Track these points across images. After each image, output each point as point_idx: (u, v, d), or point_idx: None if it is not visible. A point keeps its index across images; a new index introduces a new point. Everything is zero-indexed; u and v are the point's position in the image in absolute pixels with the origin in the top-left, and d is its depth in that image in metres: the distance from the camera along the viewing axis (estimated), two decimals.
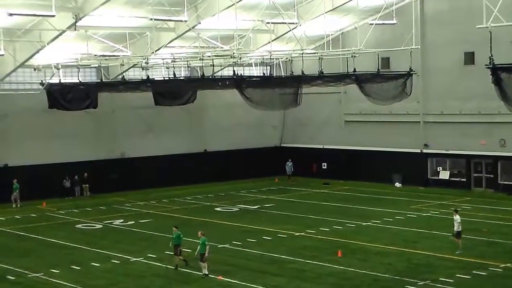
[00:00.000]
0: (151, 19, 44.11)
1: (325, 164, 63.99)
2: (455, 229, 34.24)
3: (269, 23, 50.68)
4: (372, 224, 42.00)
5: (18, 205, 51.24)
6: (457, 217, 34.15)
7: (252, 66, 58.06)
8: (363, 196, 53.36)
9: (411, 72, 48.73)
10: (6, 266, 33.33)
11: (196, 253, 30.87)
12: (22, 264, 33.52)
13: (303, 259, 33.39)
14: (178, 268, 31.63)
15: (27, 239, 39.82)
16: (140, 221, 44.86)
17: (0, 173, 53.48)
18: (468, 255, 33.34)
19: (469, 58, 54.02)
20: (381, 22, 51.15)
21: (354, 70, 48.96)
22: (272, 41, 54.69)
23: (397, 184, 57.95)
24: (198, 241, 30.86)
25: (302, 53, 49.31)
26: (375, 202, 50.15)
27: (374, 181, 58.40)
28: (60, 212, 49.13)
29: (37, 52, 47.67)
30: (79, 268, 32.70)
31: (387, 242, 36.34)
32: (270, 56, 54.04)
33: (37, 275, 31.64)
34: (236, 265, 32.67)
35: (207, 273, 30.43)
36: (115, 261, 33.82)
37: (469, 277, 29.80)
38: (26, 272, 32.20)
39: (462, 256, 33.17)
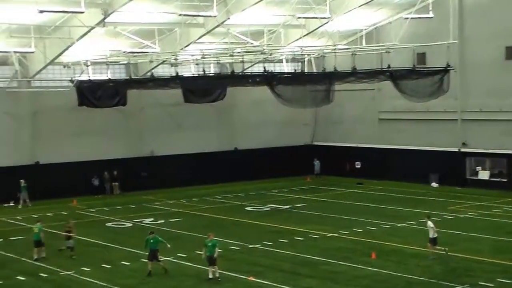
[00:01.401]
0: (180, 15, 43.67)
1: (359, 163, 62.94)
2: (430, 236, 32.98)
3: (300, 18, 49.86)
4: (407, 225, 41.05)
5: (29, 205, 50.82)
6: (429, 223, 33.05)
7: (283, 62, 57.26)
8: (398, 196, 52.31)
9: (449, 68, 47.66)
10: (38, 264, 33.18)
11: (203, 256, 30.17)
12: (54, 262, 33.33)
13: (336, 261, 32.67)
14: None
15: (58, 237, 39.34)
16: (170, 220, 44.42)
17: (31, 171, 53.30)
18: (509, 258, 32.19)
19: (511, 52, 52.51)
20: (416, 16, 50.13)
21: (389, 66, 47.96)
22: (304, 36, 54.45)
23: (434, 184, 56.69)
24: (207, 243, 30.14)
25: (335, 49, 48.63)
26: (410, 202, 49.08)
27: (410, 181, 57.08)
28: (91, 210, 48.86)
29: (67, 49, 47.65)
30: (109, 266, 32.49)
31: (423, 244, 35.23)
32: (302, 52, 53.26)
33: (68, 273, 31.46)
34: (268, 266, 32.06)
35: (211, 277, 29.67)
36: (145, 260, 33.07)
37: (510, 281, 28.71)
38: (58, 270, 32.02)
39: (503, 260, 32.06)
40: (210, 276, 29.60)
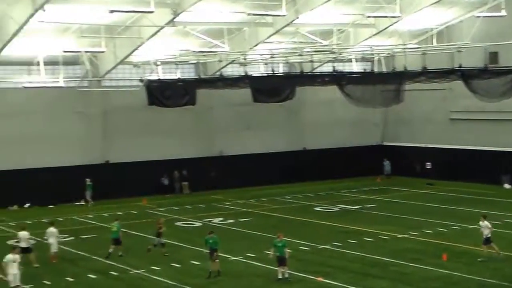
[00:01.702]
0: (249, 14, 43.66)
1: (429, 163, 61.93)
2: (484, 235, 32.31)
3: (370, 17, 49.43)
4: (478, 227, 40.03)
5: (91, 204, 51.44)
6: (485, 223, 32.36)
7: (352, 61, 56.80)
8: (469, 197, 51.22)
9: None
10: (109, 262, 33.44)
11: (272, 256, 29.95)
12: (124, 261, 33.56)
13: (406, 262, 32.17)
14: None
15: (129, 235, 39.71)
16: (239, 220, 44.39)
17: (102, 170, 54.01)
18: None
19: None
20: (489, 14, 49.11)
21: (460, 66, 47.07)
22: (373, 35, 53.81)
23: (506, 186, 55.49)
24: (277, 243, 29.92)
25: (405, 48, 47.97)
26: (481, 204, 47.95)
27: (481, 182, 55.76)
28: (160, 209, 49.13)
29: (136, 48, 48.13)
30: (179, 266, 32.54)
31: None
32: (371, 51, 52.75)
33: (138, 271, 31.62)
34: (337, 267, 31.77)
35: (281, 277, 29.42)
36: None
37: None
38: (128, 268, 32.23)
39: None
40: (280, 277, 29.39)
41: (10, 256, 27.42)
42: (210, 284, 29.38)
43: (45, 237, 34.78)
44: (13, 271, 27.27)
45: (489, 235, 32.27)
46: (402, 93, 48.11)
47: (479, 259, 31.93)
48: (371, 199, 51.75)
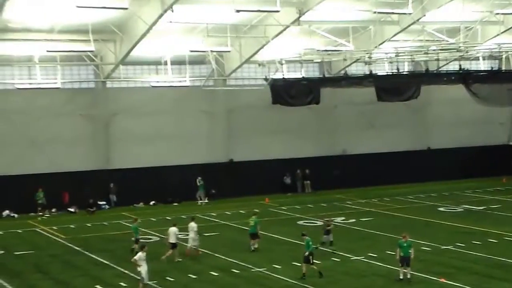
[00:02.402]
0: (375, 12, 43.25)
1: None
2: None
3: (498, 14, 48.03)
4: None
5: (203, 202, 52.10)
6: None
7: (479, 60, 55.47)
8: None
9: None
10: (231, 260, 33.83)
11: (397, 256, 29.56)
12: (246, 259, 33.86)
13: None
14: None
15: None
16: (361, 219, 44.14)
17: (225, 168, 54.89)
18: None
19: None
20: None
21: None
22: (502, 33, 52.32)
23: None
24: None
25: None
26: None
27: None
28: (282, 208, 49.40)
29: (262, 47, 48.49)
30: (300, 265, 32.08)
31: None
32: (499, 49, 51.34)
33: (260, 269, 31.80)
34: (460, 268, 31.18)
35: (402, 278, 29.05)
36: (336, 259, 33.33)
37: None
38: (249, 266, 32.48)
39: None
40: (401, 277, 29.11)
41: (140, 254, 28.08)
42: (330, 284, 29.33)
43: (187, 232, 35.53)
44: (144, 268, 27.93)
45: None
46: None
47: None
48: (496, 200, 50.45)
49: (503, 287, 28.06)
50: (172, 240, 33.82)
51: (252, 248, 35.63)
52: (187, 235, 35.25)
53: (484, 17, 49.72)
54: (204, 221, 44.97)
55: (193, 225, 35.05)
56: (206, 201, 52.71)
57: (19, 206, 48.83)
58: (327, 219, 37.04)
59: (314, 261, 30.33)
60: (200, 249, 35.04)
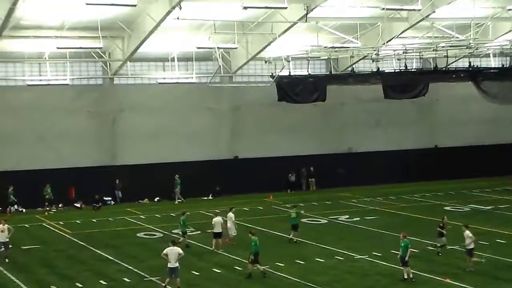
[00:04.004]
0: (383, 9, 42.99)
1: None
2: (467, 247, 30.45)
3: (510, 10, 47.63)
4: None
5: (179, 200, 51.56)
6: (467, 233, 30.47)
7: (489, 57, 55.09)
8: None
9: None
10: (233, 257, 33.76)
11: (398, 256, 29.41)
12: (247, 257, 33.54)
13: None
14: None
15: (255, 231, 40.08)
16: (366, 218, 43.90)
17: (230, 165, 54.76)
18: None
19: None
20: None
21: None
22: None
23: None
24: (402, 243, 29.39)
25: None
26: None
27: None
28: (286, 205, 48.95)
29: (269, 44, 48.39)
30: (303, 263, 32.51)
31: None
32: (510, 46, 50.90)
33: (263, 267, 31.46)
34: (466, 269, 30.71)
35: (406, 277, 28.90)
36: (339, 258, 33.23)
37: None
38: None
39: None
40: (405, 277, 28.93)
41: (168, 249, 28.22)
42: (335, 282, 29.18)
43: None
44: (172, 265, 27.99)
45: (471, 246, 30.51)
46: None
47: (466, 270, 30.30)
48: (505, 200, 50.09)
49: None
50: (217, 229, 35.07)
51: (294, 240, 36.68)
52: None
53: (495, 13, 49.36)
54: (208, 218, 44.73)
55: (231, 215, 36.58)
56: (182, 199, 52.06)
57: (27, 201, 48.95)
58: (443, 221, 35.00)
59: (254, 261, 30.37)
60: (204, 245, 35.07)
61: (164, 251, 28.13)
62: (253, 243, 30.47)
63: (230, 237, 36.16)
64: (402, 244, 29.16)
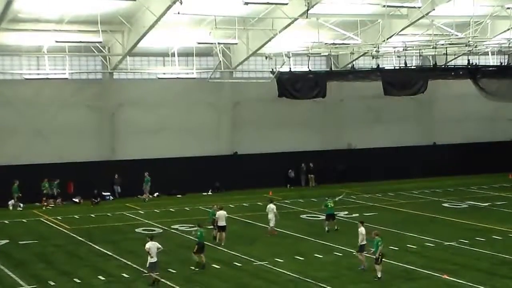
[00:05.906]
0: (384, 6, 43.00)
1: None
2: (359, 243, 30.49)
3: (509, 8, 47.68)
4: None
5: (147, 199, 51.13)
6: (361, 229, 30.51)
7: (488, 55, 55.17)
8: None
9: None
10: (233, 253, 33.83)
11: (373, 253, 29.50)
12: (248, 252, 33.87)
13: None
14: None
15: (254, 227, 40.24)
16: (365, 214, 43.87)
17: (230, 161, 54.81)
18: None
19: None
20: None
21: None
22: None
23: None
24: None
25: None
26: None
27: None
28: (286, 201, 49.21)
29: (269, 40, 48.35)
30: (302, 258, 32.58)
31: None
32: (509, 44, 51.02)
33: (262, 263, 31.80)
34: (463, 265, 31.10)
35: (380, 276, 28.93)
36: (338, 254, 33.34)
37: None
38: (251, 259, 32.49)
39: None
40: (379, 275, 28.94)
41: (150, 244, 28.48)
42: (334, 278, 29.26)
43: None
44: (153, 259, 28.26)
45: (364, 242, 30.49)
46: None
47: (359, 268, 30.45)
48: (502, 196, 50.24)
49: (506, 285, 27.93)
50: (221, 223, 35.35)
51: (327, 229, 38.01)
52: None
53: (494, 12, 49.43)
54: (207, 214, 44.92)
55: (272, 206, 37.85)
56: (150, 197, 51.66)
57: (24, 195, 48.54)
58: None
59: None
60: (206, 242, 35.12)
61: (147, 246, 28.38)
62: (198, 233, 31.40)
63: (271, 228, 37.61)
64: (374, 243, 29.17)
